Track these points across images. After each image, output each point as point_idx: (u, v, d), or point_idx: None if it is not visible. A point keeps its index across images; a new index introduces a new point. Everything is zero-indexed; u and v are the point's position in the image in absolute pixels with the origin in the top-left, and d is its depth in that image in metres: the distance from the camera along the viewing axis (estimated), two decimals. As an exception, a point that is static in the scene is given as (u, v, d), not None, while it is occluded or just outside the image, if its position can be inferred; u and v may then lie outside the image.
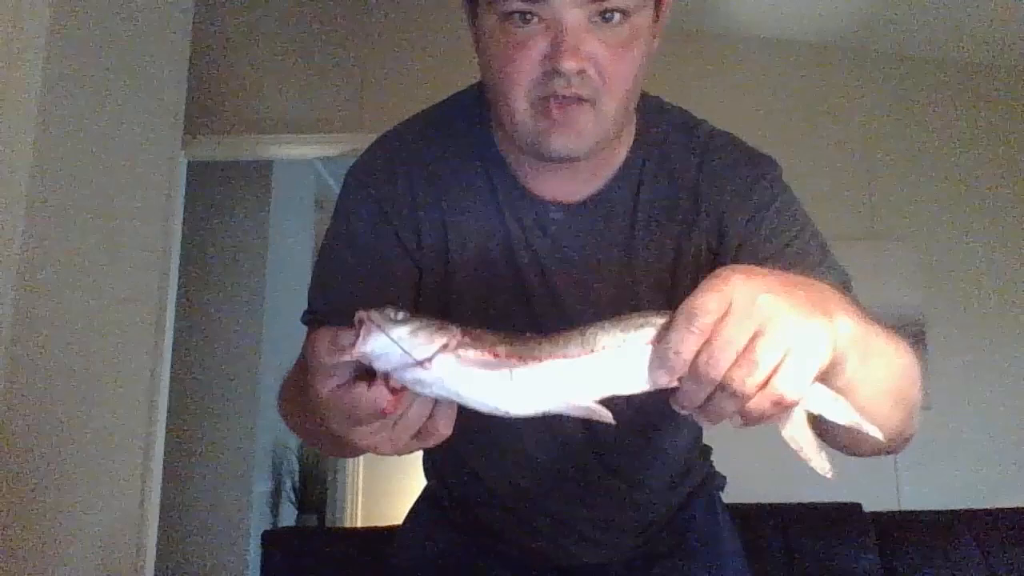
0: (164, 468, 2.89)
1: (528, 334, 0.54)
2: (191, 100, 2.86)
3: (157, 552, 2.78)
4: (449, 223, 0.82)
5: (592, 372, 0.52)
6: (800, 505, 2.71)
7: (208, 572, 3.71)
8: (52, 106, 1.93)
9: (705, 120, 0.88)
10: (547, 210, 0.82)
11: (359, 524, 3.10)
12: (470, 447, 0.93)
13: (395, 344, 0.50)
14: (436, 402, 0.55)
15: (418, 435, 0.56)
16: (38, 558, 1.90)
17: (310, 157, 4.18)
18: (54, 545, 1.97)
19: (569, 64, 0.67)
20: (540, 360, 0.51)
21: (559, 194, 0.82)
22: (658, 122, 0.85)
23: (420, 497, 1.06)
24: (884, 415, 0.65)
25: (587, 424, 0.87)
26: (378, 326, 0.50)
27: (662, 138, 0.84)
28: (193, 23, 2.82)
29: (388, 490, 2.95)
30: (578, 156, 0.72)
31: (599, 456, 0.89)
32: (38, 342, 1.89)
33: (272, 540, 2.89)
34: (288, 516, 4.40)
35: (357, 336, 0.51)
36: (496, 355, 0.51)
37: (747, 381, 0.48)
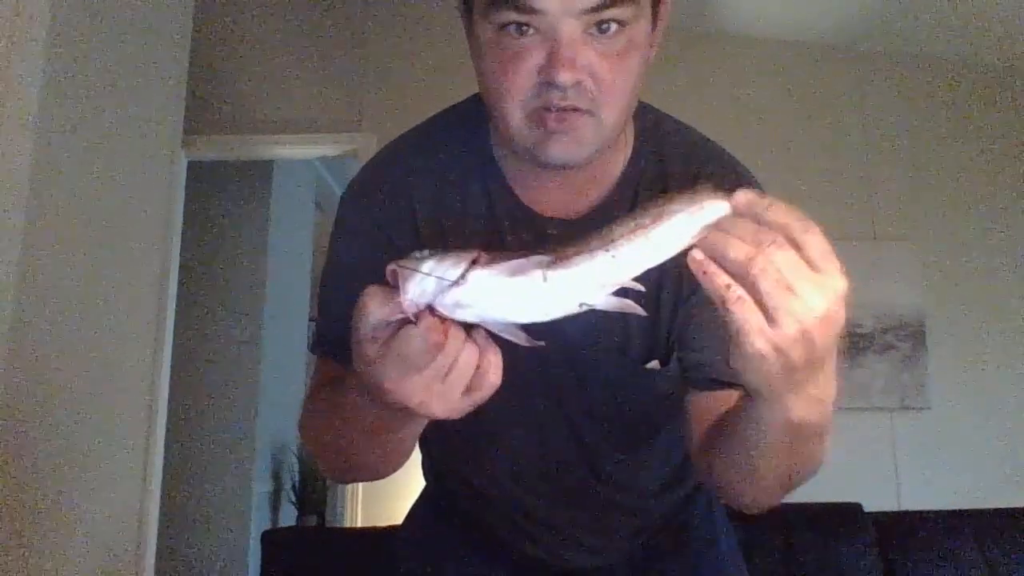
0: (164, 468, 2.89)
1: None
2: (191, 100, 2.86)
3: (157, 552, 2.78)
4: (450, 240, 0.81)
5: (615, 261, 0.54)
6: (800, 505, 2.71)
7: (208, 572, 3.71)
8: (52, 106, 1.93)
9: (703, 134, 0.87)
10: (545, 226, 0.81)
11: (359, 524, 3.09)
12: (460, 457, 0.93)
13: (428, 275, 0.54)
14: (482, 352, 0.57)
15: (468, 390, 0.57)
16: (38, 557, 1.90)
17: (310, 157, 4.18)
18: (54, 544, 1.97)
19: (565, 76, 0.66)
20: (568, 259, 0.54)
21: (557, 209, 0.81)
22: (656, 135, 0.84)
23: (418, 499, 1.06)
24: (767, 486, 0.71)
25: (577, 435, 0.87)
26: (408, 267, 0.54)
27: (659, 151, 0.83)
28: (193, 23, 2.82)
29: (388, 490, 2.94)
30: (576, 163, 0.72)
31: (590, 465, 0.89)
32: (38, 342, 1.89)
33: (272, 540, 2.89)
34: (288, 516, 4.40)
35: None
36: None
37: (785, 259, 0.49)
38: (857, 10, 3.17)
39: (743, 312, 0.51)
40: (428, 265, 0.54)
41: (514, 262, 0.54)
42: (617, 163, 0.82)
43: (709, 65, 3.39)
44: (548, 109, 0.68)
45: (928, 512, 2.87)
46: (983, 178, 3.34)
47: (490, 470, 0.92)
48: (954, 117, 3.40)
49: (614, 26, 0.67)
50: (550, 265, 0.54)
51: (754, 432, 0.63)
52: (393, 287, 0.55)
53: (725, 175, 0.82)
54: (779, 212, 0.50)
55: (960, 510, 2.85)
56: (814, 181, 3.16)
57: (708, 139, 0.87)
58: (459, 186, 0.83)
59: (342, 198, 0.88)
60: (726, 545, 1.00)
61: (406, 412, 0.58)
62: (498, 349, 0.57)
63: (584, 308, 0.55)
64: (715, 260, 0.51)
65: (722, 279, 0.51)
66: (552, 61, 0.66)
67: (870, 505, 2.85)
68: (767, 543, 2.66)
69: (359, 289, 0.83)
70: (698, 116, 0.92)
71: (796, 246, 0.50)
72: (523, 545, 0.93)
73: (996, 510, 2.84)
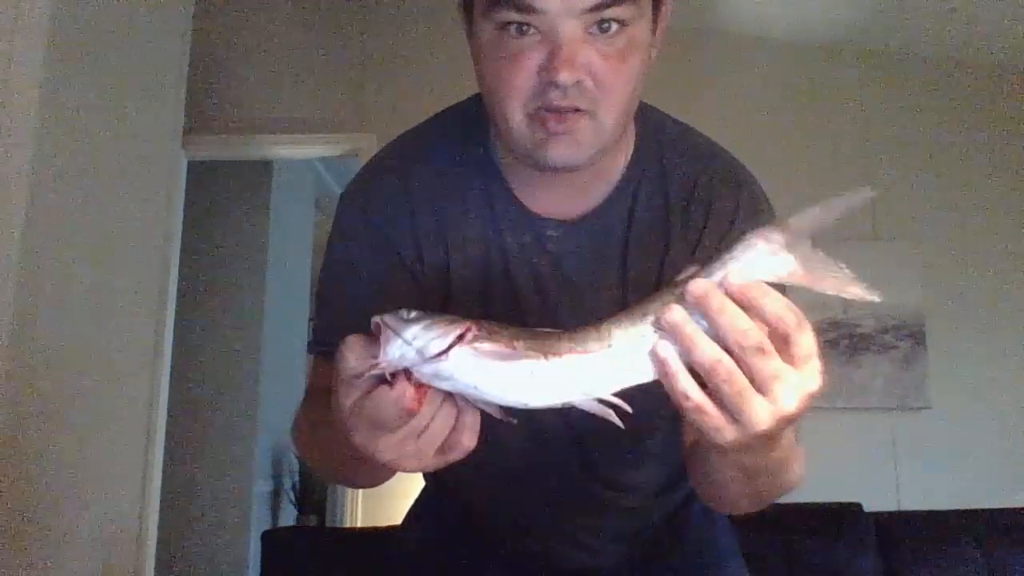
0: (164, 468, 2.89)
1: (542, 330, 0.55)
2: (191, 100, 2.86)
3: (157, 552, 2.78)
4: (450, 242, 0.81)
5: (608, 365, 0.53)
6: (800, 505, 2.71)
7: (208, 572, 3.71)
8: (52, 106, 1.93)
9: (705, 136, 0.87)
10: (545, 227, 0.81)
11: (359, 524, 3.10)
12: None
13: (409, 343, 0.52)
14: (459, 413, 0.56)
15: (442, 449, 0.57)
16: (38, 557, 1.90)
17: (310, 157, 4.18)
18: (54, 545, 1.97)
19: (565, 76, 0.66)
20: (559, 355, 0.53)
21: (557, 210, 0.81)
22: (657, 136, 0.84)
23: (417, 499, 1.06)
24: (736, 508, 0.75)
25: (577, 436, 0.86)
26: (392, 328, 0.52)
27: (660, 154, 0.83)
28: (193, 23, 2.82)
29: (388, 490, 2.93)
30: (576, 166, 0.72)
31: (586, 465, 0.89)
32: (38, 342, 1.89)
33: (272, 540, 2.89)
34: (288, 516, 4.40)
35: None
36: (514, 348, 0.53)
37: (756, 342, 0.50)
38: (857, 10, 3.17)
39: (700, 419, 0.52)
40: (413, 331, 0.52)
41: (503, 350, 0.53)
42: (618, 164, 0.81)
43: (709, 65, 3.39)
44: (548, 109, 0.68)
45: (928, 512, 2.87)
46: (983, 178, 3.34)
47: (489, 471, 0.91)
48: (954, 117, 3.40)
49: (615, 26, 0.67)
50: (540, 361, 0.53)
51: (709, 465, 0.67)
52: (376, 338, 0.53)
53: (723, 186, 0.82)
54: (778, 305, 0.51)
55: (960, 510, 2.85)
56: (814, 181, 3.16)
57: (710, 140, 0.86)
58: (458, 187, 0.83)
59: (341, 198, 0.87)
60: (726, 545, 1.00)
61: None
62: (476, 411, 0.57)
63: (566, 406, 0.54)
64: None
65: (681, 386, 0.52)
66: (552, 60, 0.66)
67: (870, 505, 2.85)
68: (767, 543, 2.66)
69: (357, 290, 0.83)
70: (698, 116, 0.92)
71: (785, 340, 0.51)
72: (522, 546, 0.93)
73: (996, 510, 2.84)
